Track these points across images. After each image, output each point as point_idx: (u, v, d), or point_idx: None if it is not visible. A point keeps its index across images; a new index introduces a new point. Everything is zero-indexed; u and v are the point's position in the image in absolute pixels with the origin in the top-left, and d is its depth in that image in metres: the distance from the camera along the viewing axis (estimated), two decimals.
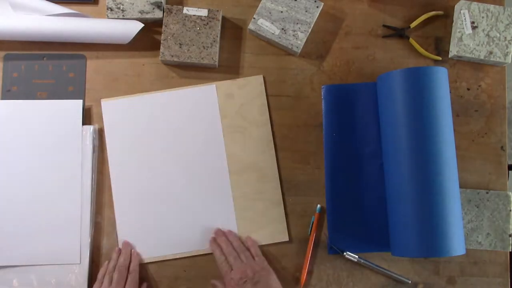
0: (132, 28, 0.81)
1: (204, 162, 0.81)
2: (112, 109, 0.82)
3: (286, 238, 0.80)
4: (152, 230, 0.80)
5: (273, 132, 0.82)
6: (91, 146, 0.80)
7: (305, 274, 0.79)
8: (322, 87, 0.83)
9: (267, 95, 0.83)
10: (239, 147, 0.82)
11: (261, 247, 0.79)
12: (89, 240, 0.78)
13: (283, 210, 0.80)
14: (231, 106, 0.82)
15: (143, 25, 0.81)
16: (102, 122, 0.82)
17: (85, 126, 0.81)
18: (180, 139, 0.82)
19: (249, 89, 0.83)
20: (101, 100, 0.82)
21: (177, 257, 0.79)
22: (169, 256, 0.79)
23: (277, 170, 0.81)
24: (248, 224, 0.80)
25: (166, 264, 0.79)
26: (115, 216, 0.80)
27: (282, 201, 0.80)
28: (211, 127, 0.82)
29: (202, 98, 0.83)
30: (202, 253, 0.79)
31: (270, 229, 0.80)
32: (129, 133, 0.82)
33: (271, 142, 0.82)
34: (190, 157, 0.81)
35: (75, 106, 0.81)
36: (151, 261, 0.79)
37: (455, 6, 0.84)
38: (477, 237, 0.80)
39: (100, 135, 0.82)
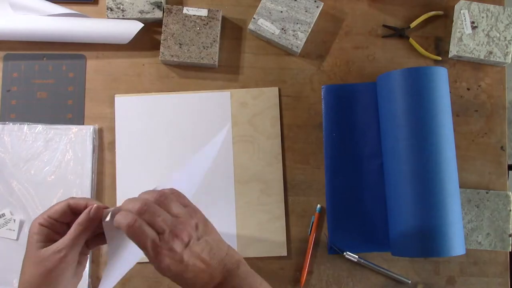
0: (131, 28, 0.81)
1: (211, 168, 0.81)
2: (125, 106, 0.82)
3: (285, 253, 0.79)
4: None
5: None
6: (91, 146, 0.81)
7: (305, 274, 0.79)
8: (322, 87, 0.83)
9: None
10: (247, 157, 0.81)
11: (258, 259, 0.79)
12: None
13: (285, 225, 0.80)
14: (243, 115, 0.82)
15: (142, 24, 0.81)
16: (102, 122, 0.82)
17: (85, 126, 0.81)
18: (190, 142, 0.82)
19: (263, 99, 0.83)
20: (115, 95, 0.82)
21: None
22: None
23: (282, 183, 0.81)
24: (247, 234, 0.80)
25: None
26: None
27: (284, 215, 0.80)
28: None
29: (216, 104, 0.82)
30: None
31: (269, 242, 0.79)
32: (139, 131, 0.82)
33: (280, 155, 0.81)
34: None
35: (224, 97, 0.82)
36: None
37: (455, 6, 0.84)
38: (477, 237, 0.80)
39: (100, 135, 0.82)
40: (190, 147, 0.81)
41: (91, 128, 0.81)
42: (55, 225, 0.54)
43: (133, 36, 0.81)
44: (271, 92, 0.83)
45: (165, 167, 0.81)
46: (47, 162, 0.80)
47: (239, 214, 0.80)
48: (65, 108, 0.83)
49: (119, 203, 0.80)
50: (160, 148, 0.81)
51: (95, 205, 0.54)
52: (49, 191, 0.80)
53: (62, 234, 0.54)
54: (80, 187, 0.80)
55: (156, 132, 0.82)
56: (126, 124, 0.82)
